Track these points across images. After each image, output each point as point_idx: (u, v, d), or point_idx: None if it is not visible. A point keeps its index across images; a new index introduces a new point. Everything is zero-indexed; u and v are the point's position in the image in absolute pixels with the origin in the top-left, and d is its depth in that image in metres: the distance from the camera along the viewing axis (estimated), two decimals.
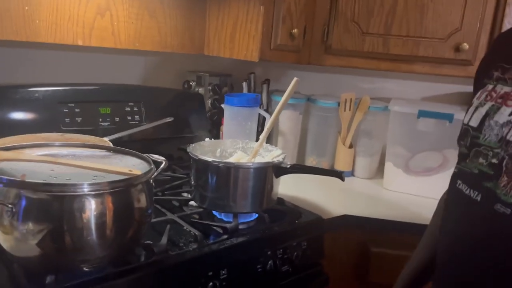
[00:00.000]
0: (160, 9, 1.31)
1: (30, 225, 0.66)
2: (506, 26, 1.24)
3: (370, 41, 1.35)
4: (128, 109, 1.33)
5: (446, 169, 1.35)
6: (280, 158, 1.04)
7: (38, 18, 1.09)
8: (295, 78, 1.03)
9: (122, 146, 0.90)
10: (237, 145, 1.17)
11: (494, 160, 0.65)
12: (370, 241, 1.22)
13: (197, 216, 1.03)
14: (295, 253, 1.01)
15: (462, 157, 0.73)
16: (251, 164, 1.02)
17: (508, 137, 0.64)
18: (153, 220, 0.88)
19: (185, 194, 1.14)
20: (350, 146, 1.54)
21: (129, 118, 1.32)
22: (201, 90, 1.56)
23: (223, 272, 0.88)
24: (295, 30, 1.31)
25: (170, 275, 0.82)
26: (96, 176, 0.73)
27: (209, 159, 1.00)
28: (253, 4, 1.24)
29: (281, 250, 0.99)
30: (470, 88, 0.83)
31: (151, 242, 0.83)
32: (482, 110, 0.70)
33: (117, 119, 1.29)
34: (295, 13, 1.31)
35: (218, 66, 1.65)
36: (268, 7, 1.23)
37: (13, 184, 0.66)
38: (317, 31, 1.40)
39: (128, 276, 0.76)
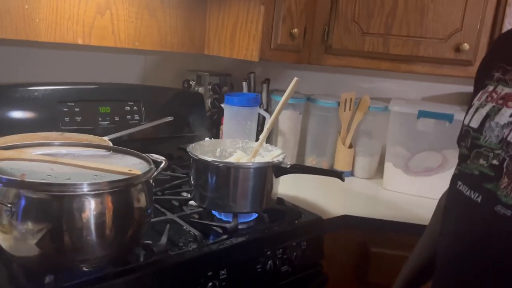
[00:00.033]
0: (160, 8, 1.31)
1: (30, 225, 0.65)
2: (506, 27, 1.24)
3: (370, 41, 1.35)
4: (127, 108, 1.32)
5: (445, 169, 1.36)
6: (280, 158, 1.04)
7: (38, 17, 1.09)
8: (295, 78, 1.03)
9: (121, 146, 0.89)
10: (237, 144, 1.17)
11: (495, 162, 0.65)
12: (370, 241, 1.22)
13: (196, 216, 1.02)
14: (294, 253, 1.01)
15: (462, 158, 0.73)
16: (251, 164, 1.02)
17: (508, 139, 0.64)
18: (152, 219, 0.88)
19: (184, 194, 1.14)
20: (350, 146, 1.54)
21: (128, 117, 1.32)
22: (201, 90, 1.56)
23: (223, 272, 0.88)
24: (295, 30, 1.30)
25: (170, 275, 0.82)
26: (95, 175, 0.73)
27: (209, 159, 1.00)
28: (253, 3, 1.24)
29: (280, 250, 0.99)
30: (470, 89, 0.83)
31: (151, 242, 0.83)
32: (483, 111, 0.70)
33: (116, 118, 1.29)
34: (296, 13, 1.31)
35: (218, 66, 1.65)
36: (268, 7, 1.23)
37: (12, 184, 0.66)
38: (317, 31, 1.40)
39: (128, 276, 0.76)
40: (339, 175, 1.02)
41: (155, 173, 0.78)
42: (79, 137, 1.06)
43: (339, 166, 1.55)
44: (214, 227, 0.98)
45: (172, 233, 0.92)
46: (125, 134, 1.24)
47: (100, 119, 1.26)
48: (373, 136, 1.55)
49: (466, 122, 0.74)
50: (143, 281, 0.78)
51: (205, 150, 1.11)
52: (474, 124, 0.71)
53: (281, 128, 1.57)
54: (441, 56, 1.30)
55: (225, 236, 0.93)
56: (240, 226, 0.98)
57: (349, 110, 1.52)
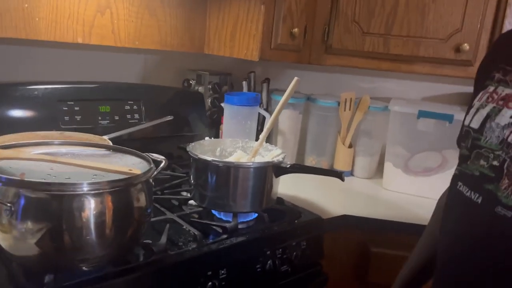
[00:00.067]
0: (160, 7, 1.31)
1: (29, 224, 0.65)
2: (506, 27, 1.24)
3: (370, 41, 1.35)
4: (127, 107, 1.32)
5: (445, 169, 1.36)
6: (280, 158, 1.04)
7: (37, 16, 1.09)
8: (296, 78, 1.03)
9: (121, 145, 0.89)
10: (236, 144, 1.17)
11: (495, 163, 0.65)
12: (370, 241, 1.22)
13: (196, 216, 1.02)
14: (294, 253, 1.01)
15: (463, 159, 0.73)
16: (251, 163, 1.02)
17: (509, 140, 0.64)
18: (152, 219, 0.88)
19: (184, 193, 1.14)
20: (350, 146, 1.54)
21: (128, 116, 1.32)
22: (201, 89, 1.56)
23: (223, 271, 0.88)
24: (295, 30, 1.30)
25: (169, 274, 0.82)
26: (95, 175, 0.73)
27: (209, 158, 1.00)
28: (253, 3, 1.24)
29: (280, 250, 0.99)
30: (470, 89, 0.83)
31: (151, 242, 0.83)
32: (483, 112, 0.70)
33: (116, 118, 1.29)
34: (296, 13, 1.30)
35: (218, 65, 1.65)
36: (269, 6, 1.23)
37: (12, 183, 0.65)
38: (317, 31, 1.40)
39: (127, 275, 0.76)
40: (339, 175, 1.02)
41: (155, 173, 0.78)
42: (79, 136, 1.06)
43: (339, 166, 1.55)
44: (214, 227, 0.98)
45: (172, 233, 0.92)
46: (125, 133, 1.24)
47: (100, 118, 1.26)
48: (373, 136, 1.55)
49: (466, 123, 0.74)
50: (142, 280, 0.78)
51: (205, 149, 1.11)
52: (475, 124, 0.71)
53: (281, 127, 1.57)
54: (441, 56, 1.30)
55: (224, 236, 0.93)
56: (240, 226, 0.98)
57: (349, 110, 1.52)
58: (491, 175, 0.66)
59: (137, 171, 0.74)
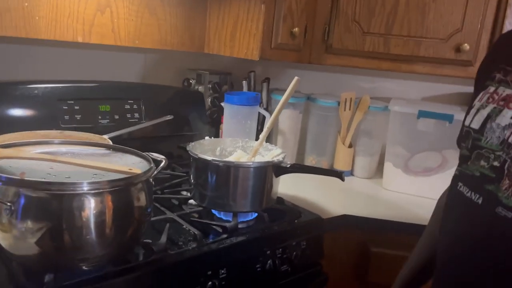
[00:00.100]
0: (160, 6, 1.31)
1: (29, 224, 0.65)
2: (507, 27, 1.24)
3: (371, 40, 1.34)
4: (127, 106, 1.32)
5: (445, 169, 1.36)
6: (280, 158, 1.04)
7: (37, 15, 1.09)
8: (296, 78, 1.03)
9: (121, 144, 0.89)
10: (237, 144, 1.17)
11: (496, 163, 0.65)
12: (370, 241, 1.22)
13: (196, 215, 1.02)
14: (294, 253, 1.01)
15: (463, 159, 0.73)
16: (251, 163, 1.02)
17: (510, 140, 0.64)
18: (152, 218, 0.88)
19: (184, 193, 1.14)
20: (350, 146, 1.54)
21: (128, 115, 1.32)
22: (201, 88, 1.56)
23: (222, 271, 0.88)
24: (296, 29, 1.30)
25: (169, 274, 0.82)
26: (95, 174, 0.72)
27: (209, 158, 1.00)
28: (254, 2, 1.24)
29: (280, 249, 0.99)
30: (470, 89, 0.83)
31: (151, 241, 0.83)
32: (484, 112, 0.70)
33: (116, 117, 1.29)
34: (296, 12, 1.30)
35: (218, 64, 1.65)
36: (269, 6, 1.23)
37: (12, 182, 0.65)
38: (318, 30, 1.40)
39: (127, 275, 0.76)
40: (339, 175, 1.02)
41: (155, 172, 0.78)
42: (79, 136, 1.06)
43: (339, 166, 1.55)
44: (214, 226, 0.98)
45: (172, 232, 0.92)
46: (125, 132, 1.23)
47: (100, 117, 1.26)
48: (373, 136, 1.55)
49: (467, 123, 0.74)
50: (142, 280, 0.78)
51: (205, 149, 1.11)
52: (475, 125, 0.71)
53: (281, 127, 1.57)
54: (442, 56, 1.30)
55: (224, 235, 0.93)
56: (239, 226, 0.98)
57: (349, 109, 1.52)
58: (491, 176, 0.65)
59: (137, 171, 0.74)
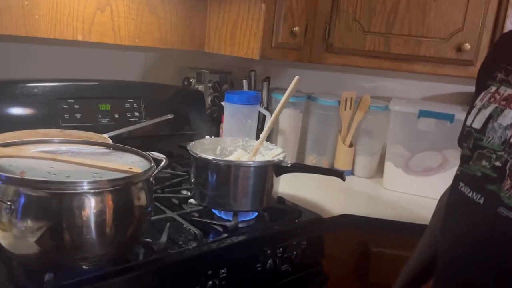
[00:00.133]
0: (160, 5, 1.30)
1: (29, 223, 0.65)
2: (508, 27, 1.24)
3: (371, 40, 1.34)
4: (127, 105, 1.32)
5: (446, 169, 1.35)
6: (280, 157, 1.04)
7: (37, 13, 1.08)
8: (296, 77, 1.03)
9: (121, 143, 0.89)
10: (237, 143, 1.17)
11: (498, 163, 0.65)
12: (370, 240, 1.22)
13: (196, 214, 1.02)
14: (294, 252, 1.01)
15: (465, 159, 0.72)
16: (251, 162, 1.02)
17: (511, 140, 0.64)
18: (152, 218, 0.88)
19: (184, 192, 1.14)
20: (350, 145, 1.54)
21: (128, 114, 1.31)
22: (201, 87, 1.55)
23: (223, 271, 0.88)
24: (296, 28, 1.30)
25: (170, 273, 0.81)
26: (95, 173, 0.72)
27: (209, 157, 1.00)
28: (254, 1, 1.24)
29: (281, 249, 0.98)
30: (471, 89, 0.83)
31: (151, 240, 0.83)
32: (486, 112, 0.70)
33: (116, 116, 1.29)
34: (297, 11, 1.30)
35: (218, 63, 1.65)
36: (269, 5, 1.22)
37: (12, 181, 0.65)
38: (318, 29, 1.39)
39: (128, 274, 0.76)
40: (340, 174, 1.02)
41: (156, 171, 0.78)
42: (79, 134, 1.06)
43: (339, 165, 1.55)
44: (214, 226, 0.97)
45: (172, 232, 0.92)
46: (125, 131, 1.23)
47: (100, 116, 1.26)
48: (374, 135, 1.55)
49: (468, 123, 0.74)
50: (143, 279, 0.78)
51: (205, 148, 1.11)
52: (477, 125, 0.71)
53: (282, 126, 1.57)
54: (443, 55, 1.30)
55: (225, 235, 0.93)
56: (240, 225, 0.98)
57: (350, 109, 1.52)
58: (493, 176, 0.65)
59: (138, 170, 0.74)
